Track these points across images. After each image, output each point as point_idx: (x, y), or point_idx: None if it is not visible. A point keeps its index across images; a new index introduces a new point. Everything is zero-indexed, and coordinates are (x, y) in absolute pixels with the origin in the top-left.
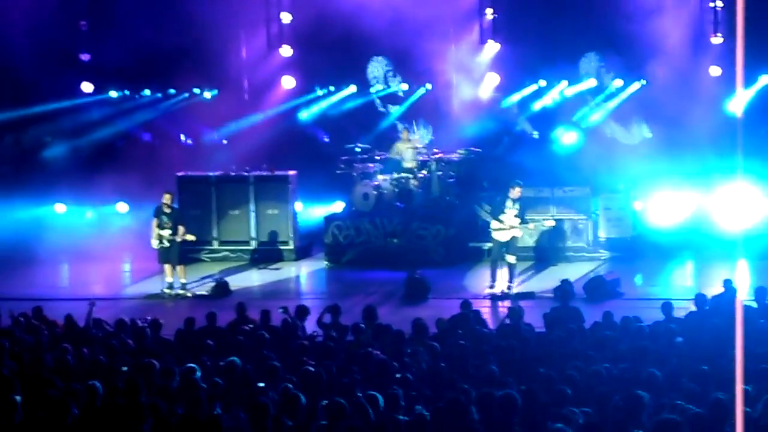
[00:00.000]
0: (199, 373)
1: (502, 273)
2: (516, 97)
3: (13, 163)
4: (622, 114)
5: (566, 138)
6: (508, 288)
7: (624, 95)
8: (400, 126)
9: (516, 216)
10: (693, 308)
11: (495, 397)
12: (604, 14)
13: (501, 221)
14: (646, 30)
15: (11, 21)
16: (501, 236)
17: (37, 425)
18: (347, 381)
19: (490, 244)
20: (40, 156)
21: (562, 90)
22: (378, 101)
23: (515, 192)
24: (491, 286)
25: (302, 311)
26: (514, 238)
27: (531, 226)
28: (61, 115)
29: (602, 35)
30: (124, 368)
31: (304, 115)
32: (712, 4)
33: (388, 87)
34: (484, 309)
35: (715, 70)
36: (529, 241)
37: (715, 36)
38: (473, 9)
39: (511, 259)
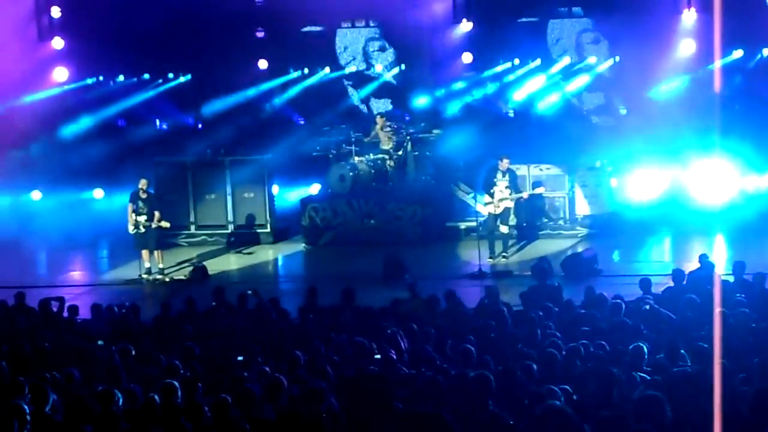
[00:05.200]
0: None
1: (497, 244)
2: (490, 75)
3: None
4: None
5: (546, 102)
6: (504, 258)
7: (600, 68)
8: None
9: (507, 187)
10: (671, 284)
11: (469, 378)
12: None
13: (492, 194)
14: (619, 4)
15: None
16: (493, 208)
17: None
18: (326, 364)
19: (466, 224)
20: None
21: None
22: (346, 83)
23: (504, 164)
24: (491, 257)
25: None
26: (506, 209)
27: (525, 195)
28: (37, 104)
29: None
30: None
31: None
32: None
33: (369, 63)
34: (462, 288)
35: (688, 45)
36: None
37: (688, 11)
38: None
39: (504, 229)
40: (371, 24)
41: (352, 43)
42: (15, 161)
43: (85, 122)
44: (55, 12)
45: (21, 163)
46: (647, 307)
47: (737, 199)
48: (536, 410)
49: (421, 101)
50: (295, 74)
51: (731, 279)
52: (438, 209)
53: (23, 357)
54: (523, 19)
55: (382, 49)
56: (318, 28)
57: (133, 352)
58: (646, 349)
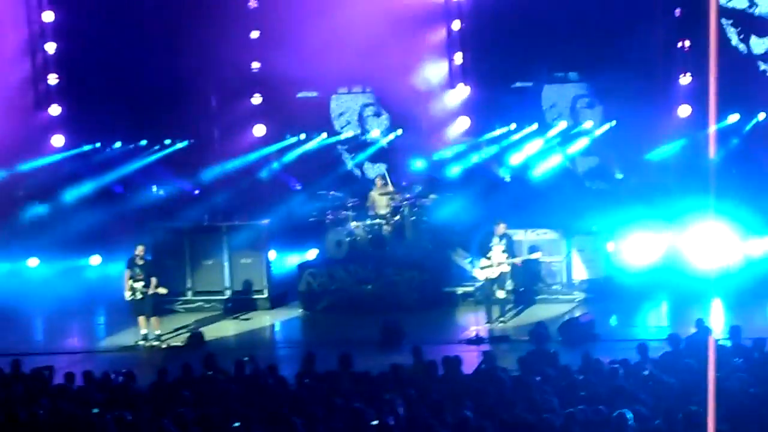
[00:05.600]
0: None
1: (494, 309)
2: (486, 140)
3: None
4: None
5: (542, 167)
6: (502, 322)
7: (597, 133)
8: (373, 174)
9: (503, 252)
10: (668, 348)
11: None
12: (570, 57)
13: (489, 258)
14: (615, 70)
15: None
16: (490, 273)
17: None
18: (323, 430)
19: (463, 288)
20: (14, 211)
21: (529, 136)
22: (341, 148)
23: (500, 228)
24: (489, 322)
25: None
26: (502, 273)
27: (520, 260)
28: (34, 171)
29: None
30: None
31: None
32: (679, 44)
33: (364, 128)
34: (460, 353)
35: (684, 110)
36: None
37: (684, 76)
38: (441, 51)
39: (501, 294)
40: (367, 90)
41: (348, 108)
42: (12, 228)
43: (82, 189)
44: (52, 79)
45: (18, 230)
46: (646, 372)
47: (735, 263)
48: None
49: (417, 166)
50: (291, 140)
51: (728, 343)
52: (435, 274)
53: (19, 425)
54: (519, 84)
55: (377, 115)
56: (314, 94)
57: (129, 419)
58: (629, 416)
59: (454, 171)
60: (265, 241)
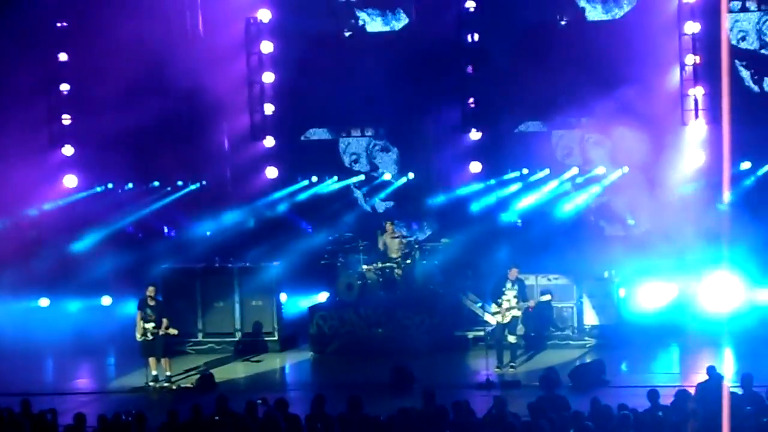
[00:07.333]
0: None
1: (505, 354)
2: (497, 183)
3: None
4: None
5: (554, 212)
6: (512, 367)
7: (606, 182)
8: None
9: (515, 297)
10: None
11: None
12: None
13: (500, 303)
14: (628, 112)
15: None
16: (501, 318)
17: None
18: None
19: (474, 333)
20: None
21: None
22: (357, 191)
23: (513, 273)
24: (499, 367)
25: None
26: (514, 318)
27: (531, 303)
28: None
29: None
30: None
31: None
32: (692, 90)
33: (373, 164)
34: (470, 398)
35: (697, 155)
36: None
37: (696, 119)
38: (456, 94)
39: (512, 339)
40: (380, 132)
41: (356, 144)
42: (24, 268)
43: (94, 230)
44: (66, 119)
45: (30, 271)
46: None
47: (746, 309)
48: None
49: (429, 209)
50: (303, 182)
51: (740, 391)
52: (446, 318)
53: None
54: (531, 129)
55: (384, 150)
56: (326, 136)
57: None
58: None
59: (466, 215)
60: (276, 284)
